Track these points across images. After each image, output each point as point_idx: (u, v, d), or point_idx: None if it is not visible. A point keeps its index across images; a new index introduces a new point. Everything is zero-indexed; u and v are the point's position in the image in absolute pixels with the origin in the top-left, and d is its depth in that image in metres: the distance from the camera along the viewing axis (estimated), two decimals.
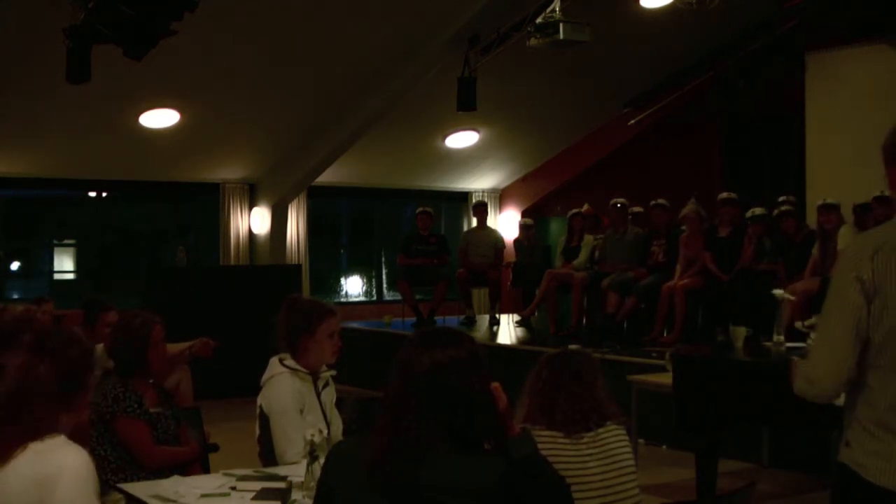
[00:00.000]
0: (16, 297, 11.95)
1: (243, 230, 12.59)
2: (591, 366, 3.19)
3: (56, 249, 13.54)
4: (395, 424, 2.28)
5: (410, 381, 2.31)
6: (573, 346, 8.39)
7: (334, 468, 2.41)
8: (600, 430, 3.03)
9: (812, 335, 2.64)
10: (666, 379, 5.63)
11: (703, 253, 8.78)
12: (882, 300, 2.31)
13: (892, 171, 2.46)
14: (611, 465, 2.99)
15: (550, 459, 2.67)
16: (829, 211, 8.13)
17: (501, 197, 14.84)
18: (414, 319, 10.89)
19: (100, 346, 4.77)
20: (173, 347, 5.80)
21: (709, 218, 9.17)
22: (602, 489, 2.96)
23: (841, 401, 2.51)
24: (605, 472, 2.97)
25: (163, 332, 3.93)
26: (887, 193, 7.48)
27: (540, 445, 2.60)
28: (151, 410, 3.80)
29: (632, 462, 3.06)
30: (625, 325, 9.34)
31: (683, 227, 9.28)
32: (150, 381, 3.95)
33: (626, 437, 3.10)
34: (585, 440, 2.99)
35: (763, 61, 10.85)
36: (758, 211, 8.66)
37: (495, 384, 2.37)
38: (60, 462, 2.45)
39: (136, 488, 3.33)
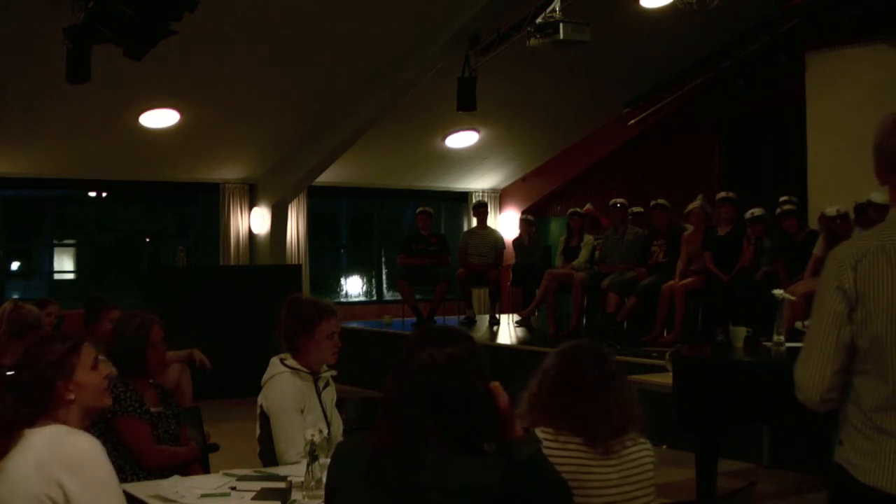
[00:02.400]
0: (16, 297, 11.94)
1: (243, 230, 12.59)
2: (615, 363, 2.98)
3: (56, 249, 13.56)
4: (394, 424, 2.28)
5: (409, 380, 2.31)
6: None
7: (338, 469, 2.41)
8: (625, 441, 2.83)
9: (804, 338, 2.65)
10: (666, 379, 5.63)
11: (703, 253, 8.78)
12: (865, 308, 2.32)
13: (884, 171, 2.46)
14: (631, 479, 2.81)
15: (569, 468, 2.65)
16: (844, 220, 7.90)
17: (501, 197, 14.84)
18: (414, 319, 10.89)
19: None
20: (170, 355, 5.84)
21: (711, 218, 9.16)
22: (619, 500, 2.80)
23: None
24: (622, 484, 2.80)
25: (162, 332, 3.92)
26: (876, 199, 7.38)
27: (557, 451, 2.63)
28: (153, 410, 3.80)
29: (652, 476, 2.88)
30: (625, 325, 9.34)
31: (686, 225, 9.27)
32: (151, 380, 3.95)
33: (651, 450, 2.92)
34: (612, 456, 2.79)
35: (763, 61, 10.86)
36: (757, 212, 8.64)
37: (495, 383, 2.37)
38: (80, 447, 2.52)
39: (136, 488, 3.32)
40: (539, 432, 2.80)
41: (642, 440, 2.88)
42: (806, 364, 2.42)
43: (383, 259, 14.41)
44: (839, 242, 7.33)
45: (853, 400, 2.39)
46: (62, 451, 2.52)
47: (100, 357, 2.84)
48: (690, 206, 9.09)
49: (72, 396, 2.66)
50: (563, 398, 2.80)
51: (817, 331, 2.41)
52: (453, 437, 2.27)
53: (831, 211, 7.78)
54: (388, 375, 2.36)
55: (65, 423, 2.63)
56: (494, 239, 11.28)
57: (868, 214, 7.58)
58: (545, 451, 2.70)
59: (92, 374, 2.75)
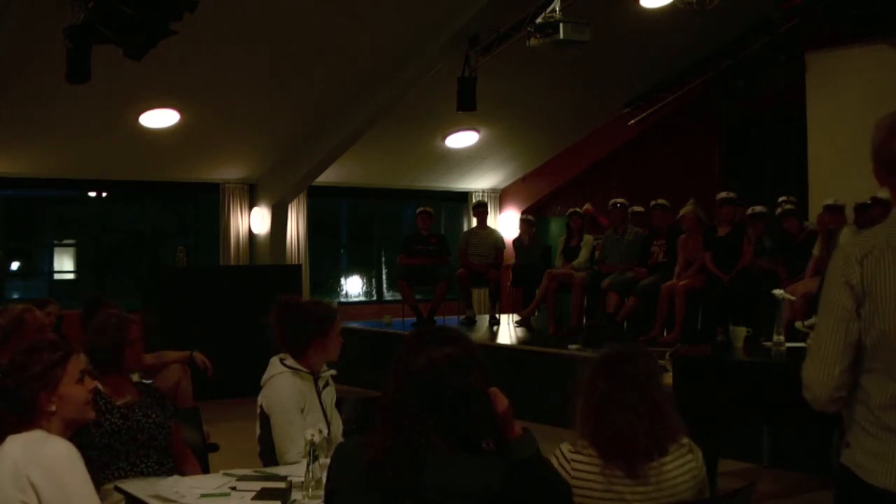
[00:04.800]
0: (16, 296, 11.95)
1: (243, 230, 12.59)
2: (655, 369, 2.80)
3: (56, 249, 13.55)
4: (394, 426, 2.27)
5: (407, 381, 2.30)
6: (573, 347, 8.39)
7: (337, 470, 2.41)
8: (664, 459, 2.69)
9: (811, 336, 2.61)
10: (666, 379, 5.62)
11: (702, 253, 8.78)
12: (872, 304, 2.29)
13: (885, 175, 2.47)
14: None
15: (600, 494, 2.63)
16: (836, 212, 8.06)
17: (501, 197, 14.84)
18: (414, 319, 10.88)
19: None
20: (171, 355, 5.83)
21: (708, 219, 9.17)
22: None
23: None
24: None
25: (139, 331, 3.93)
26: (880, 195, 7.45)
27: (582, 475, 2.61)
28: (119, 403, 3.74)
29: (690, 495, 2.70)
30: (625, 325, 9.34)
31: (684, 228, 9.29)
32: (129, 375, 3.93)
33: (694, 461, 2.76)
34: (644, 482, 2.65)
35: (763, 61, 10.86)
36: (758, 209, 8.67)
37: (493, 389, 2.37)
38: (54, 451, 2.52)
39: (137, 488, 3.32)
40: (581, 450, 2.72)
41: (685, 450, 2.74)
42: (814, 362, 2.38)
43: (383, 259, 14.40)
44: (834, 239, 7.35)
45: (861, 399, 2.36)
46: (38, 456, 2.52)
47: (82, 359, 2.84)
48: (683, 212, 9.09)
49: (53, 408, 2.66)
50: (599, 416, 2.70)
51: (825, 328, 2.37)
52: (453, 436, 2.27)
53: (829, 201, 7.94)
54: (385, 377, 2.35)
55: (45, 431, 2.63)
56: (494, 239, 11.28)
57: (871, 213, 7.62)
58: (581, 472, 2.68)
59: (77, 388, 2.74)
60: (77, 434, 3.46)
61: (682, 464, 2.71)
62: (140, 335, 3.94)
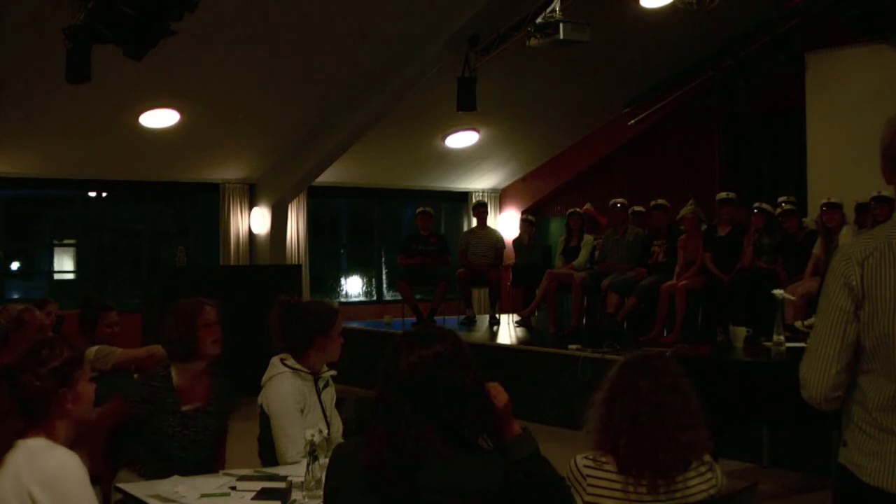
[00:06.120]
0: (16, 296, 11.94)
1: (243, 230, 12.59)
2: (681, 376, 2.69)
3: (56, 249, 13.54)
4: (390, 428, 2.27)
5: (400, 382, 2.30)
6: (573, 347, 8.40)
7: (336, 471, 2.41)
8: (688, 475, 2.59)
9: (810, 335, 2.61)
10: None
11: (702, 253, 8.79)
12: (872, 306, 2.30)
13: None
14: None
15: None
16: (833, 210, 8.11)
17: (501, 197, 14.84)
18: (414, 319, 10.88)
19: (93, 349, 4.76)
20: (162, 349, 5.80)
21: (707, 219, 9.17)
22: None
23: None
24: None
25: (215, 313, 3.86)
26: (885, 193, 7.49)
27: (598, 491, 2.55)
28: (184, 409, 3.75)
29: None
30: (625, 325, 9.34)
31: (682, 227, 9.29)
32: (206, 366, 3.87)
33: (712, 478, 2.64)
34: (659, 495, 2.55)
35: (763, 61, 10.86)
36: (765, 205, 8.72)
37: (495, 383, 2.37)
38: (55, 463, 2.49)
39: (136, 488, 3.32)
40: (601, 466, 2.62)
41: (705, 468, 2.63)
42: (811, 362, 2.40)
43: (383, 259, 14.40)
44: (833, 237, 7.35)
45: (858, 400, 2.37)
46: (38, 466, 2.49)
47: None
48: (682, 212, 9.10)
49: (71, 406, 2.63)
50: (613, 428, 2.61)
51: (823, 328, 2.38)
52: (450, 435, 2.26)
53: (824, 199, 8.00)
54: (377, 381, 2.35)
55: (54, 434, 2.59)
56: (494, 239, 11.27)
57: (874, 212, 7.66)
58: (597, 489, 2.60)
59: (89, 386, 2.74)
60: (149, 430, 3.45)
61: (704, 480, 2.61)
62: (216, 319, 3.84)
